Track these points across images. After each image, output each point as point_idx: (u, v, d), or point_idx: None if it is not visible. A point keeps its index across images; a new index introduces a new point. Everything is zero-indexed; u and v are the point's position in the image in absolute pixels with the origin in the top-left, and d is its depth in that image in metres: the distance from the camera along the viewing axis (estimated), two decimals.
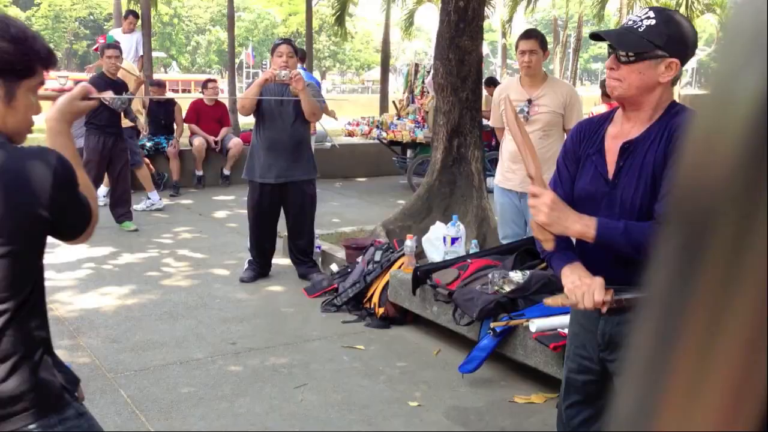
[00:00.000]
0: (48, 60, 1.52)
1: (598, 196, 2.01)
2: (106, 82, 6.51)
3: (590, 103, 8.63)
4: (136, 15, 10.06)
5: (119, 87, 6.62)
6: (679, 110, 1.97)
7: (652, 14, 1.92)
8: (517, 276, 4.02)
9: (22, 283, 1.47)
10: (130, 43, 9.61)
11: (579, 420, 2.24)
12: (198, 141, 9.14)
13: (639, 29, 1.90)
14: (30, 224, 1.43)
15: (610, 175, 1.99)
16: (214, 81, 9.77)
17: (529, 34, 4.55)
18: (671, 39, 1.89)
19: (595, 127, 2.10)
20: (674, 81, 1.97)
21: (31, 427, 1.46)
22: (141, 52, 9.81)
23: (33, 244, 1.47)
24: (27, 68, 1.49)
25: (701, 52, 40.76)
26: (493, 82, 9.70)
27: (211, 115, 9.32)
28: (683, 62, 1.94)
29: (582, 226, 1.91)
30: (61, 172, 1.46)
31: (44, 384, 1.49)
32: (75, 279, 5.45)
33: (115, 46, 6.93)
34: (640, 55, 1.90)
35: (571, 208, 1.94)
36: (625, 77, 1.92)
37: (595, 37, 2.07)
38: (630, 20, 1.96)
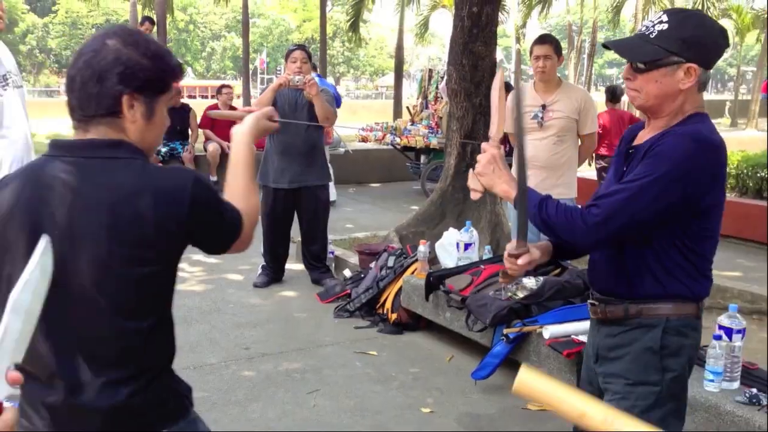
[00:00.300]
0: (179, 74, 1.55)
1: None
2: None
3: (603, 108, 8.60)
4: (152, 21, 10.16)
5: None
6: (692, 121, 1.84)
7: (665, 17, 1.82)
8: (530, 282, 4.01)
9: (162, 299, 1.50)
10: None
11: None
12: (212, 146, 9.20)
13: (651, 35, 1.81)
14: (167, 243, 1.43)
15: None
16: (229, 87, 9.82)
17: (544, 39, 4.54)
18: (686, 42, 1.78)
19: (636, 131, 2.03)
20: (701, 86, 1.85)
21: None
22: None
23: (170, 261, 1.48)
24: (164, 84, 1.51)
25: None
26: (509, 88, 9.68)
27: (225, 121, 9.37)
28: (705, 65, 1.82)
29: (507, 187, 1.89)
30: (198, 191, 1.45)
31: (176, 391, 1.57)
32: None
33: None
34: (653, 63, 1.80)
35: (509, 172, 1.92)
36: (642, 87, 1.84)
37: (608, 47, 2.02)
38: (643, 26, 1.87)
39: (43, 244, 1.23)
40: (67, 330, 1.43)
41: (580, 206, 1.86)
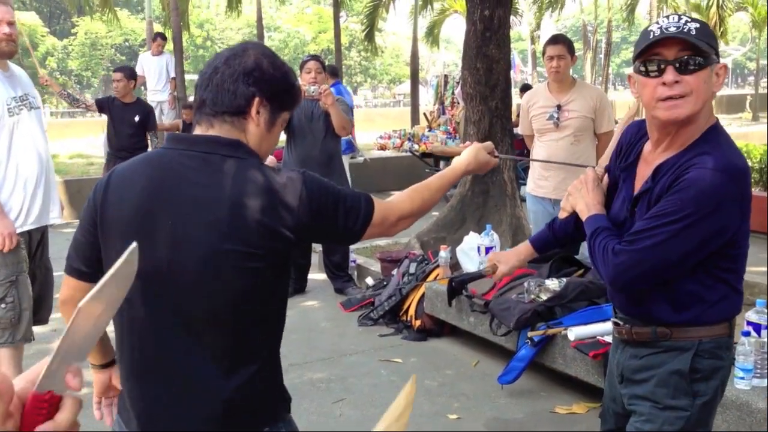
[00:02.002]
0: (299, 99, 1.63)
1: (621, 220, 1.85)
2: (122, 104, 6.64)
3: (623, 107, 8.47)
4: (164, 37, 10.22)
5: (127, 109, 6.68)
6: (712, 140, 1.71)
7: (686, 18, 1.69)
8: (553, 284, 3.97)
9: (270, 294, 1.52)
10: (160, 65, 9.78)
11: None
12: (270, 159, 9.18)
13: (691, 32, 1.63)
14: (279, 241, 1.46)
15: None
16: None
17: (557, 40, 4.52)
18: (714, 41, 1.68)
19: (638, 138, 1.90)
20: None
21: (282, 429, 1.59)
22: (172, 74, 9.96)
23: (281, 258, 1.50)
24: (288, 101, 1.58)
25: (736, 52, 40.06)
26: (527, 89, 9.65)
27: None
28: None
29: (584, 207, 1.91)
30: (310, 187, 1.49)
31: (279, 390, 1.61)
32: None
33: (119, 69, 6.87)
34: (707, 60, 1.65)
35: (599, 192, 1.92)
36: (694, 89, 1.64)
37: (656, 48, 1.68)
38: (671, 27, 1.66)
39: (131, 248, 1.27)
40: (174, 318, 1.47)
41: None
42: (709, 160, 1.65)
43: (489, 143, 1.99)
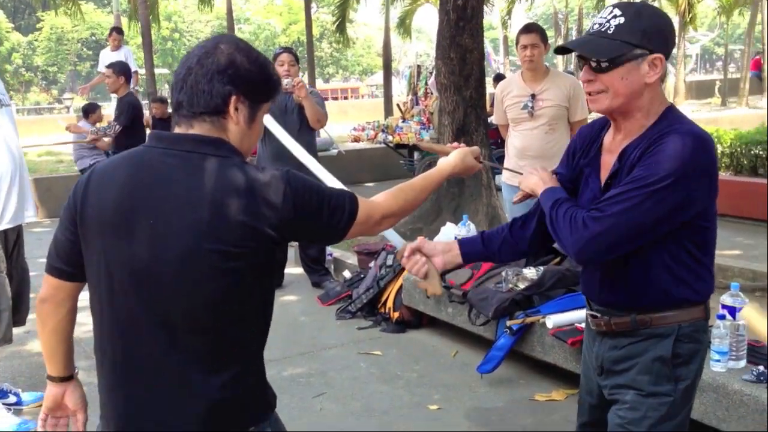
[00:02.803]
0: (278, 87, 1.58)
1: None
2: (118, 100, 6.75)
3: None
4: (120, 31, 10.02)
5: (118, 104, 6.71)
6: (674, 118, 1.76)
7: (618, 11, 1.73)
8: (530, 272, 3.99)
9: (251, 294, 1.49)
10: (118, 59, 9.63)
11: None
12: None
13: (608, 31, 1.71)
14: (262, 240, 1.44)
15: (602, 190, 1.84)
16: None
17: (530, 29, 4.52)
18: (647, 33, 1.71)
19: (595, 134, 1.94)
20: (663, 77, 1.77)
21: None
22: (133, 68, 9.80)
23: (264, 257, 1.48)
24: (268, 93, 1.55)
25: (704, 38, 40.50)
26: (500, 79, 9.67)
27: None
28: (666, 55, 1.74)
29: (539, 181, 1.91)
30: (294, 185, 1.47)
31: (262, 390, 1.58)
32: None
33: (110, 65, 6.97)
34: (617, 59, 1.71)
35: (549, 174, 1.93)
36: (608, 86, 1.74)
37: (562, 50, 1.90)
38: (596, 24, 1.76)
39: None
40: (154, 318, 1.45)
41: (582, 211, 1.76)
42: (680, 128, 1.70)
43: (476, 148, 2.01)
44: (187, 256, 1.41)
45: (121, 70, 6.78)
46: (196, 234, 1.40)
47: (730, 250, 6.08)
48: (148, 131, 8.38)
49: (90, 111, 8.60)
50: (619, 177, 1.76)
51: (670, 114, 1.78)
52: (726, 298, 3.03)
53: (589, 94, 1.79)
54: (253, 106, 1.52)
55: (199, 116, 1.48)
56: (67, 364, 1.69)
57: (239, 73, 1.47)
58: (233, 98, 1.47)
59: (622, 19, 1.71)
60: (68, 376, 1.70)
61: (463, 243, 2.08)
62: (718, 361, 2.95)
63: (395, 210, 1.71)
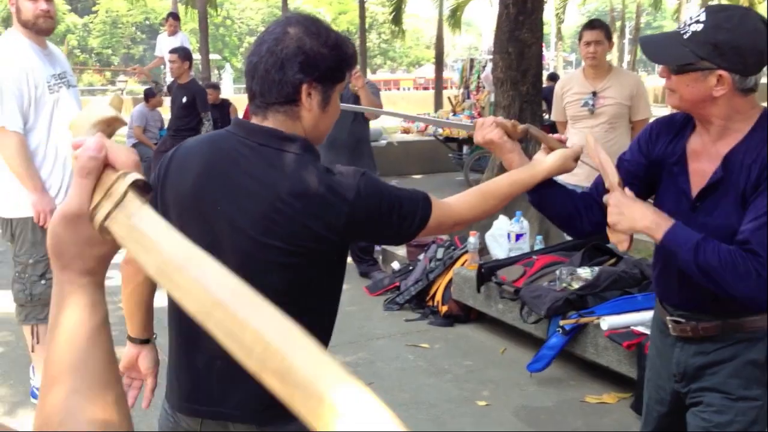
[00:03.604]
0: (353, 62, 1.55)
1: (680, 215, 1.77)
2: (177, 85, 6.77)
3: (648, 93, 8.40)
4: (176, 17, 10.12)
5: (178, 91, 6.77)
6: None
7: (702, 16, 1.66)
8: (585, 272, 3.93)
9: (313, 292, 1.49)
10: (174, 44, 9.74)
11: None
12: None
13: (684, 35, 1.67)
14: (323, 242, 1.44)
15: (693, 195, 1.78)
16: None
17: (594, 25, 4.44)
18: (719, 48, 1.63)
19: (677, 130, 1.86)
20: (747, 90, 1.68)
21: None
22: None
23: (325, 258, 1.48)
24: (341, 74, 1.52)
25: None
26: (555, 78, 9.55)
27: None
28: (742, 72, 1.65)
29: (650, 223, 1.68)
30: (365, 191, 1.44)
31: None
32: None
33: (174, 50, 6.98)
34: (683, 66, 1.68)
35: (639, 201, 1.73)
36: (675, 88, 1.73)
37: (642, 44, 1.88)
38: (682, 23, 1.74)
39: None
40: None
41: (736, 248, 1.64)
42: None
43: (578, 148, 1.77)
44: (249, 248, 1.42)
45: (186, 55, 6.84)
46: (257, 227, 1.41)
47: None
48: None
49: (150, 95, 8.75)
50: (725, 186, 1.71)
51: (765, 120, 1.72)
52: None
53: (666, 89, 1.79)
54: (327, 90, 1.49)
55: (273, 106, 1.46)
56: (145, 327, 1.72)
57: (309, 60, 1.44)
58: (304, 86, 1.45)
59: (700, 27, 1.65)
60: (145, 339, 1.73)
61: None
62: None
63: (471, 218, 1.65)
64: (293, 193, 1.41)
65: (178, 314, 1.53)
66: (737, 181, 1.69)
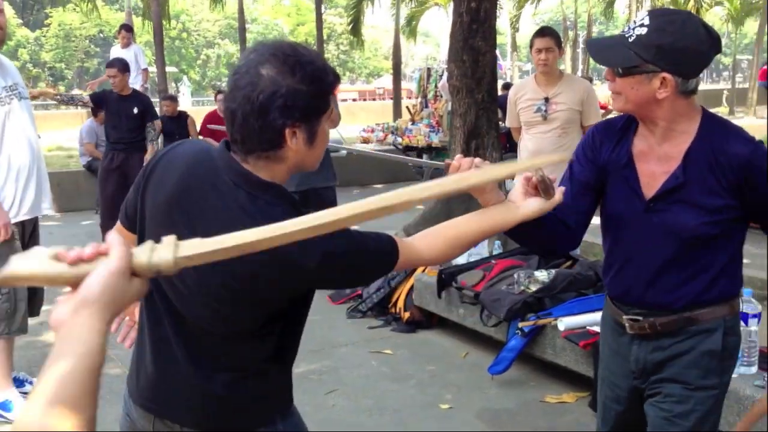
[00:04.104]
0: (336, 84, 1.45)
1: (633, 217, 1.83)
2: (118, 96, 6.58)
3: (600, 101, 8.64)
4: (129, 29, 10.02)
5: (125, 101, 6.62)
6: (717, 124, 1.79)
7: (647, 20, 1.70)
8: (542, 275, 4.01)
9: (275, 319, 1.47)
10: (129, 57, 9.64)
11: None
12: None
13: (629, 39, 1.70)
14: (285, 295, 1.43)
15: (647, 197, 1.81)
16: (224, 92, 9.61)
17: (545, 32, 4.55)
18: (662, 51, 1.66)
19: (619, 134, 1.88)
20: (688, 93, 1.74)
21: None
22: (143, 65, 9.81)
23: (284, 303, 1.46)
24: (325, 105, 1.42)
25: None
26: (509, 87, 9.69)
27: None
28: (684, 75, 1.70)
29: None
30: (332, 251, 1.37)
31: (273, 391, 1.59)
32: None
33: (111, 64, 6.69)
34: (628, 69, 1.71)
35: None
36: (620, 91, 1.76)
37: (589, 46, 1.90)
38: (626, 27, 1.77)
39: None
40: (172, 316, 1.48)
41: None
42: (745, 134, 1.79)
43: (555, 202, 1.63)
44: (210, 280, 1.39)
45: (124, 67, 6.64)
46: (218, 267, 1.37)
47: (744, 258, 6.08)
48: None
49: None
50: (682, 187, 1.76)
51: (711, 115, 1.81)
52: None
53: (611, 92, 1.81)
54: (312, 126, 1.40)
55: (254, 152, 1.40)
56: None
57: (289, 101, 1.35)
58: (287, 130, 1.37)
59: (644, 30, 1.68)
60: None
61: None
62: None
63: (436, 262, 1.64)
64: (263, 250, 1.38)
65: (153, 314, 1.52)
66: (694, 182, 1.75)
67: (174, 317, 1.49)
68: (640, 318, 1.88)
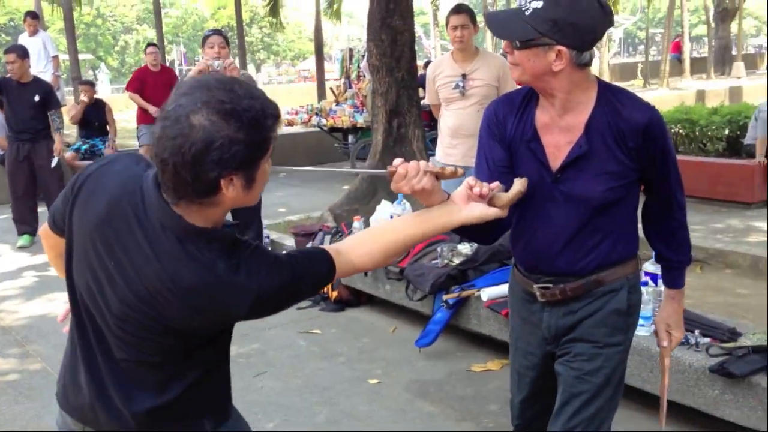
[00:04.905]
0: (278, 125, 1.35)
1: (541, 188, 1.86)
2: (18, 84, 6.30)
3: None
4: (34, 15, 9.64)
5: (25, 88, 6.33)
6: (614, 93, 1.84)
7: None
8: (465, 248, 4.09)
9: (196, 350, 1.47)
10: (37, 45, 9.27)
11: (532, 413, 2.18)
12: (144, 149, 8.43)
13: (526, 12, 1.72)
14: (206, 330, 1.42)
15: (554, 168, 1.85)
16: (154, 45, 8.88)
17: (459, 9, 4.60)
18: (558, 24, 1.69)
19: (521, 108, 1.91)
20: (583, 65, 1.78)
21: None
22: (53, 52, 9.45)
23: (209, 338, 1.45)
24: (264, 150, 1.32)
25: (626, 21, 41.60)
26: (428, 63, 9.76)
27: (159, 82, 8.34)
28: (578, 48, 1.74)
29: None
30: (262, 301, 1.36)
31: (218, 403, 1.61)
32: (20, 287, 5.32)
33: (10, 50, 6.38)
34: (525, 42, 1.73)
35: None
36: (519, 62, 1.78)
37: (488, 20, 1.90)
38: (520, 1, 1.77)
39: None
40: (98, 339, 1.46)
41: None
42: (643, 103, 1.85)
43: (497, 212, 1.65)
44: (133, 314, 1.38)
45: (24, 53, 6.31)
46: (144, 301, 1.36)
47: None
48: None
49: None
50: (586, 156, 1.82)
51: (606, 84, 1.87)
52: (648, 266, 3.19)
53: (511, 64, 1.84)
54: (251, 171, 1.32)
55: (186, 199, 1.32)
56: None
57: (225, 154, 1.25)
58: (223, 180, 1.28)
59: (540, 4, 1.70)
60: None
61: None
62: (642, 325, 3.10)
63: (372, 269, 1.62)
64: (189, 288, 1.32)
65: (82, 332, 1.49)
66: (598, 149, 1.81)
67: (100, 341, 1.46)
68: (551, 285, 1.94)
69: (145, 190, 1.37)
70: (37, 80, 6.56)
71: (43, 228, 1.64)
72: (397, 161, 1.58)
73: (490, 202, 1.63)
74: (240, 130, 1.26)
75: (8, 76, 6.36)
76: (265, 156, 1.33)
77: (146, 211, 1.36)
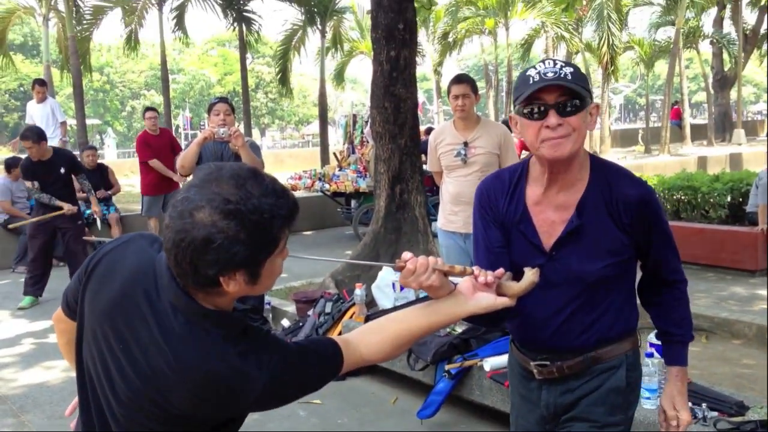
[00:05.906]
0: (294, 217, 1.31)
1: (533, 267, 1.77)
2: (41, 162, 6.51)
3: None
4: (42, 83, 9.87)
5: (49, 165, 6.53)
6: (607, 169, 1.84)
7: (561, 63, 1.73)
8: None
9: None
10: (45, 111, 9.46)
11: None
12: (153, 221, 8.57)
13: (567, 77, 1.69)
14: (210, 422, 1.40)
15: (547, 247, 1.83)
16: (153, 110, 9.02)
17: (460, 79, 4.67)
18: (587, 84, 1.75)
19: (511, 188, 1.89)
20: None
21: None
22: (61, 119, 9.62)
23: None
24: (272, 249, 1.29)
25: (626, 89, 42.29)
26: (431, 132, 9.87)
27: (161, 144, 8.60)
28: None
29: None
30: (269, 393, 1.34)
31: None
32: (18, 354, 5.25)
33: (26, 137, 6.44)
34: (583, 101, 1.71)
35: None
36: (575, 128, 1.71)
37: (538, 93, 1.70)
38: (549, 73, 1.70)
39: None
40: (99, 414, 1.44)
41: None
42: (637, 180, 1.86)
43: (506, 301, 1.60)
44: (135, 402, 1.37)
45: (40, 136, 6.47)
46: (149, 387, 1.34)
47: None
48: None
49: (13, 165, 8.31)
50: (579, 232, 1.80)
51: (598, 160, 1.87)
52: (653, 338, 3.14)
53: (551, 140, 1.72)
54: (255, 269, 1.28)
55: (191, 286, 1.32)
56: None
57: (222, 253, 1.22)
58: (222, 278, 1.26)
59: (570, 69, 1.71)
60: None
61: None
62: (648, 398, 3.05)
63: (381, 361, 1.60)
64: (192, 368, 1.30)
65: (86, 419, 1.47)
66: (592, 225, 1.79)
67: (101, 411, 1.44)
68: (548, 363, 1.91)
69: (158, 272, 1.37)
70: (56, 152, 6.74)
71: (57, 313, 1.65)
72: (405, 255, 1.53)
73: (499, 291, 1.58)
74: (242, 231, 1.22)
75: (29, 157, 6.57)
76: (271, 255, 1.29)
77: (159, 293, 1.35)
